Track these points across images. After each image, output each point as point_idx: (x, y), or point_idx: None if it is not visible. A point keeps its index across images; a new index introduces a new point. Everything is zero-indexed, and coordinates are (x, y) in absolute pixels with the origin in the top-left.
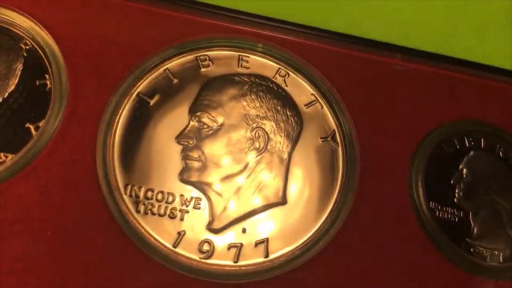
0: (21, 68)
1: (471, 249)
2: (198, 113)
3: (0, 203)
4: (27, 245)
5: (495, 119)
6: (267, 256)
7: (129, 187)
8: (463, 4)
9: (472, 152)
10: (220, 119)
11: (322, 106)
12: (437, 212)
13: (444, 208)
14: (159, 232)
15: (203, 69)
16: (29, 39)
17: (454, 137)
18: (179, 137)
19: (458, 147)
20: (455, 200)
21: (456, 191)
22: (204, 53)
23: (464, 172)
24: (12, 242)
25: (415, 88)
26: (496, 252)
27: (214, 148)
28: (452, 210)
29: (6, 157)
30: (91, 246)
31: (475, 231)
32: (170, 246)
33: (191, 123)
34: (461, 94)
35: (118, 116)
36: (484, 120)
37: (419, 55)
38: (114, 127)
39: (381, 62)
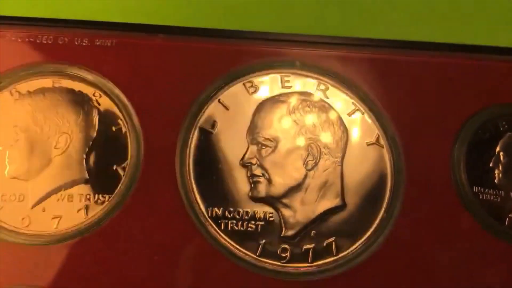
0: (97, 117)
1: None
2: (255, 136)
3: (110, 239)
4: (140, 271)
5: None
6: (336, 254)
7: (210, 209)
8: None
9: (507, 134)
10: (274, 138)
11: (364, 113)
12: (480, 196)
13: (487, 191)
14: (243, 245)
15: (251, 94)
16: (97, 90)
17: (488, 123)
18: (243, 160)
19: (492, 131)
20: (495, 181)
21: (496, 173)
22: (249, 79)
23: (501, 155)
24: (126, 270)
25: (446, 81)
26: None
27: (274, 164)
28: (494, 191)
29: (104, 198)
30: (188, 263)
31: None
32: (254, 256)
33: (251, 146)
34: (490, 80)
35: (188, 149)
36: None
37: (446, 48)
38: (187, 160)
39: (410, 61)
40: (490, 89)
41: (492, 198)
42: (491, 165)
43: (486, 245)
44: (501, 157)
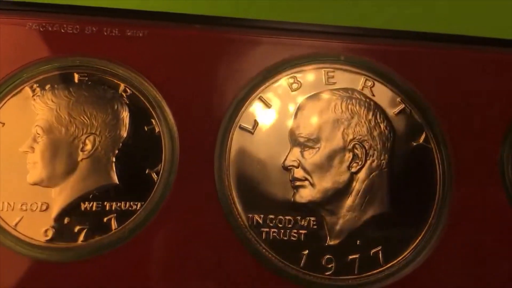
0: (127, 116)
1: None
2: (297, 137)
3: (143, 250)
4: (176, 284)
5: None
6: (384, 264)
7: (250, 217)
8: None
9: None
10: (318, 139)
11: (411, 111)
12: None
13: None
14: (286, 256)
15: (293, 91)
16: (127, 86)
17: None
18: (284, 163)
19: None
20: None
21: None
22: (291, 75)
23: None
24: (162, 284)
25: (495, 78)
26: None
27: (318, 168)
28: None
29: (136, 205)
30: (227, 275)
31: None
32: (298, 268)
33: (293, 147)
34: None
35: (227, 151)
36: None
37: (496, 43)
38: (226, 163)
39: (459, 55)
40: None
41: None
42: None
43: None
44: None
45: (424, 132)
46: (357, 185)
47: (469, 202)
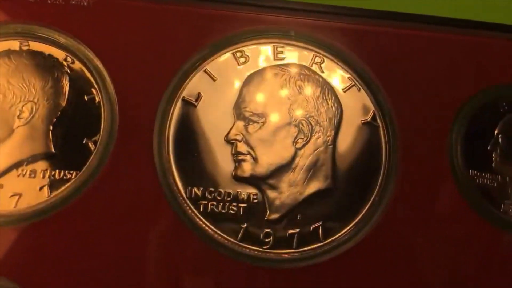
0: (67, 84)
1: (510, 210)
2: (242, 111)
3: (75, 220)
4: (108, 256)
5: None
6: (323, 239)
7: (189, 189)
8: None
9: (506, 116)
10: (263, 113)
11: (360, 88)
12: (476, 180)
13: (483, 175)
14: (223, 229)
15: (240, 65)
16: (69, 55)
17: (488, 104)
18: (228, 136)
19: (493, 113)
20: (492, 165)
21: (493, 156)
22: (239, 49)
23: (499, 137)
24: (92, 255)
25: (446, 59)
26: None
27: (262, 142)
28: (491, 176)
29: (71, 174)
30: (163, 247)
31: None
32: (235, 241)
33: (237, 121)
34: (491, 59)
35: (168, 123)
36: None
37: (449, 23)
38: (166, 135)
39: (412, 35)
40: (492, 69)
41: (488, 182)
42: (489, 148)
43: (480, 231)
44: (500, 140)
45: (372, 110)
46: (301, 161)
47: (414, 181)
